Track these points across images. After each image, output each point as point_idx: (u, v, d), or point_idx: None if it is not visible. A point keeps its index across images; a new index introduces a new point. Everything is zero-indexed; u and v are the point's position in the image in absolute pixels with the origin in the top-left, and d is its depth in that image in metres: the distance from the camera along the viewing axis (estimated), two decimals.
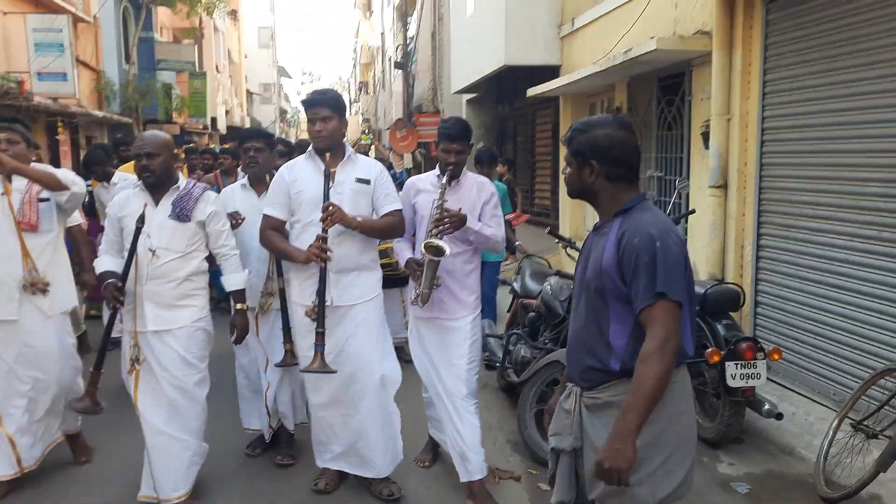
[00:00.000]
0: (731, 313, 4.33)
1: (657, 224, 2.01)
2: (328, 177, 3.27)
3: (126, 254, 3.29)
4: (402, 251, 3.60)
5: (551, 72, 9.71)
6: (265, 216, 3.47)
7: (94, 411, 3.33)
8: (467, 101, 14.80)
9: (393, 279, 4.96)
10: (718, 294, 4.28)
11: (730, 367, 3.94)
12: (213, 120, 25.18)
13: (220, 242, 3.47)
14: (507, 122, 14.36)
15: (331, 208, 3.21)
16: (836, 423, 3.81)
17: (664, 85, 7.11)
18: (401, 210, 3.48)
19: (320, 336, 3.17)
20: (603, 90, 8.64)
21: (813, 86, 4.72)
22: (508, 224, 5.89)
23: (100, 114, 14.58)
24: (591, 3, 8.52)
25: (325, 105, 3.37)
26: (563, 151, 2.88)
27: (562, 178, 5.05)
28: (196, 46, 21.98)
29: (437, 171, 3.60)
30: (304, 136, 46.04)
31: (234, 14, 33.32)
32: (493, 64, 10.40)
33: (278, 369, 3.84)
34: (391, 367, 3.53)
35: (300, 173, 3.43)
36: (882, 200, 4.19)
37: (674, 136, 6.97)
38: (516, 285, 5.26)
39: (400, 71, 20.15)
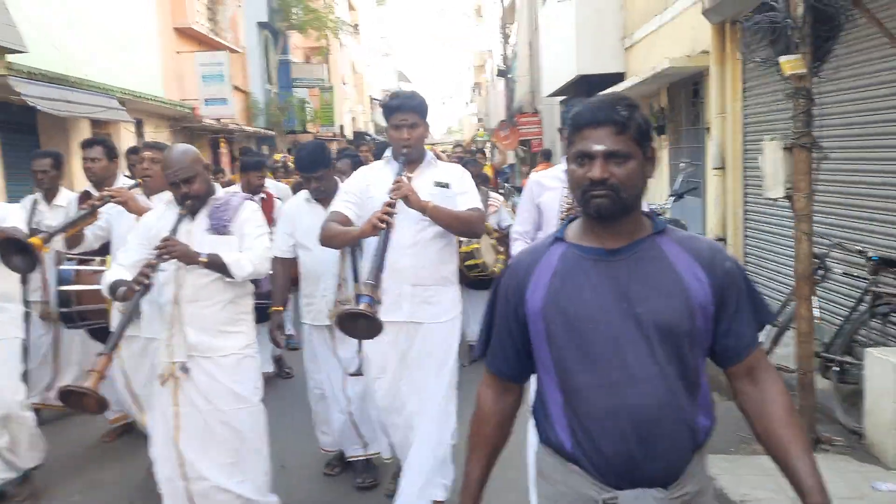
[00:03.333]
0: None
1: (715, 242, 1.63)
2: (400, 173, 3.09)
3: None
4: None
5: (620, 78, 11.43)
6: (331, 212, 3.22)
7: (95, 407, 2.57)
8: (560, 102, 16.62)
9: (482, 281, 5.06)
10: None
11: None
12: (342, 127, 28.26)
13: (245, 244, 3.05)
14: None
15: (400, 182, 2.99)
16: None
17: (694, 90, 8.76)
18: (480, 209, 3.29)
19: (371, 287, 2.72)
20: (654, 93, 10.30)
21: (781, 89, 6.34)
22: None
23: (250, 129, 17.57)
24: (644, 20, 10.20)
25: (412, 111, 3.17)
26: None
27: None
28: (325, 65, 24.97)
29: (562, 166, 3.10)
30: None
31: (356, 28, 36.46)
32: (569, 73, 12.24)
33: (358, 387, 3.72)
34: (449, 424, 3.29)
35: (375, 178, 3.25)
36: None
37: (698, 130, 8.63)
38: None
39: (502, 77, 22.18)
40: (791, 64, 3.79)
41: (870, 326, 4.46)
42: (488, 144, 28.43)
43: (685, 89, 8.93)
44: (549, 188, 3.21)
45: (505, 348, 1.69)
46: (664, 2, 9.00)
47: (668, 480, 1.52)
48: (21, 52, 7.60)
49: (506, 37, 21.59)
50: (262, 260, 3.08)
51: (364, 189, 3.25)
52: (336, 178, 4.01)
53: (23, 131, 8.99)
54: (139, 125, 11.93)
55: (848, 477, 3.65)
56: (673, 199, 7.19)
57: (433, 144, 20.32)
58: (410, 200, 2.99)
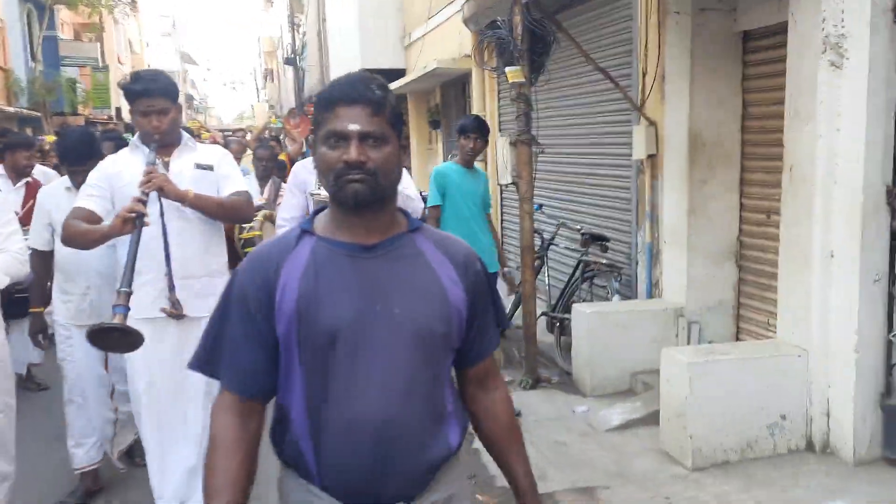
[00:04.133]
0: None
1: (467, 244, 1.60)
2: (153, 162, 2.83)
3: None
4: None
5: (402, 73, 12.24)
6: (73, 209, 2.86)
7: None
8: None
9: None
10: None
11: None
12: (118, 110, 26.56)
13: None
14: None
15: (153, 172, 2.74)
16: None
17: (463, 89, 9.76)
18: (247, 192, 3.12)
19: (125, 296, 2.52)
20: (430, 90, 11.23)
21: None
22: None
23: (11, 109, 16.19)
24: (420, 21, 11.07)
25: (160, 94, 2.88)
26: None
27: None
28: (98, 43, 23.40)
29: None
30: (213, 123, 46.84)
31: (134, 4, 34.30)
32: (355, 65, 12.84)
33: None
34: None
35: (125, 165, 2.95)
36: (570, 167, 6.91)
37: None
38: None
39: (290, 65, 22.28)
40: (513, 74, 4.66)
41: (581, 289, 5.53)
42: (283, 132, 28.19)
43: (455, 88, 9.89)
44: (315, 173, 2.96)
45: (251, 360, 1.43)
46: (435, 6, 9.87)
47: (414, 493, 1.45)
48: None
49: (295, 25, 21.70)
50: (19, 263, 2.83)
51: (113, 177, 2.92)
52: None
53: None
54: None
55: (557, 404, 4.61)
56: None
57: (223, 131, 19.90)
58: (167, 191, 2.77)
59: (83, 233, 2.77)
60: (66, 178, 3.61)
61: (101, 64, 23.50)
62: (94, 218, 2.83)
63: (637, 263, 5.43)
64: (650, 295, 5.24)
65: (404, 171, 3.31)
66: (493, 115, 7.99)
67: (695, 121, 4.77)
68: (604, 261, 5.44)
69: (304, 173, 3.80)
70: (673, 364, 3.86)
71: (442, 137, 10.53)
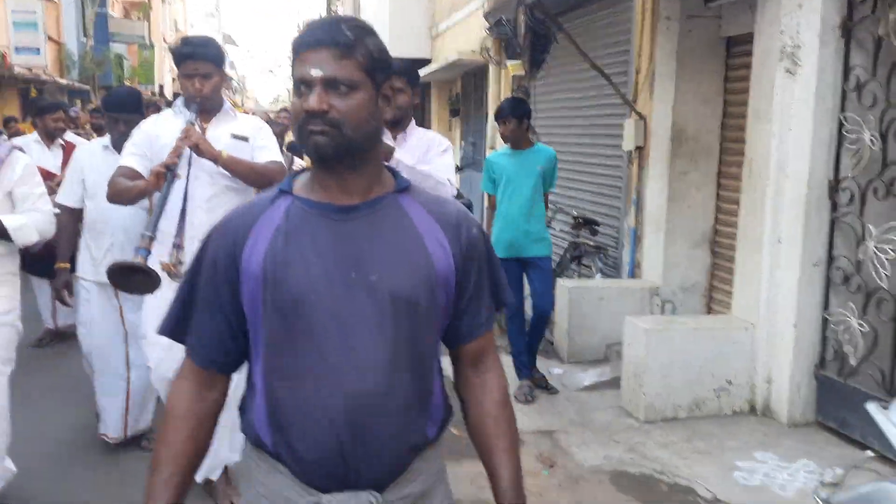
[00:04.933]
0: None
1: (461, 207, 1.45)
2: (193, 123, 2.91)
3: None
4: None
5: (427, 63, 12.77)
6: (118, 167, 2.99)
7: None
8: None
9: None
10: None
11: None
12: (161, 87, 27.54)
13: (27, 206, 2.90)
14: None
15: (190, 130, 2.82)
16: None
17: (482, 80, 10.26)
18: (281, 162, 3.14)
19: (147, 240, 2.69)
20: (453, 80, 11.75)
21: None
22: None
23: (63, 81, 17.06)
24: (448, 13, 11.58)
25: (206, 59, 2.94)
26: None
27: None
28: (146, 22, 24.29)
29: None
30: (249, 105, 47.73)
31: None
32: None
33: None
34: None
35: (165, 128, 3.01)
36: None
37: (480, 115, 10.16)
38: None
39: None
40: (514, 67, 5.18)
41: (570, 268, 6.04)
42: None
43: (476, 79, 10.40)
44: None
45: (213, 328, 1.35)
46: (460, 1, 10.39)
47: (386, 481, 1.31)
48: None
49: (331, 11, 22.36)
50: (49, 223, 2.98)
51: (154, 139, 3.01)
52: None
53: None
54: None
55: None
56: (455, 170, 8.58)
57: (266, 113, 20.57)
58: (201, 149, 2.84)
59: (125, 189, 2.91)
60: (105, 137, 3.74)
61: (147, 42, 24.39)
62: (136, 175, 2.95)
63: (623, 246, 5.92)
64: (632, 275, 5.73)
65: (447, 151, 3.07)
66: None
67: (679, 117, 5.25)
68: (591, 242, 5.93)
69: None
70: (634, 330, 4.36)
71: (460, 125, 11.05)
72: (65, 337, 5.53)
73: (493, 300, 1.45)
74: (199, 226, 2.86)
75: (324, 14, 27.09)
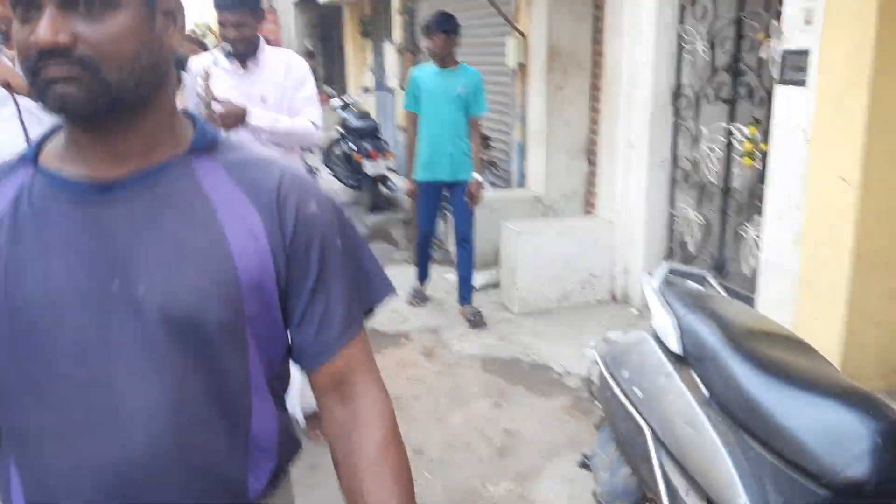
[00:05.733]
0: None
1: (300, 170, 1.02)
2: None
3: None
4: None
5: None
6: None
7: None
8: (294, 3, 17.42)
9: None
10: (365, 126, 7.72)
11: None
12: None
13: None
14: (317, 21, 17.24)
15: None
16: None
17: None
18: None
19: None
20: (363, 1, 11.73)
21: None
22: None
23: None
24: None
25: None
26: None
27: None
28: None
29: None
30: None
31: None
32: None
33: None
34: None
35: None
36: None
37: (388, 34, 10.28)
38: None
39: None
40: None
41: None
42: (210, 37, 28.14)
43: (383, 1, 10.45)
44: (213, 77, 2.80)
45: None
46: None
47: None
48: None
49: None
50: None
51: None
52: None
53: None
54: None
55: (433, 274, 5.59)
56: (362, 91, 8.75)
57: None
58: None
59: None
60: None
61: None
62: None
63: (511, 159, 6.33)
64: (521, 185, 6.16)
65: (306, 80, 2.91)
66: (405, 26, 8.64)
67: (553, 33, 5.57)
68: (483, 157, 6.31)
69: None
70: (508, 233, 4.82)
71: (372, 47, 11.12)
72: None
73: (358, 300, 1.03)
74: None
75: None
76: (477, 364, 4.13)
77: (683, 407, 1.91)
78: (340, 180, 8.25)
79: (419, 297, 5.00)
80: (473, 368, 4.09)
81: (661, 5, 4.27)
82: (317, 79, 13.41)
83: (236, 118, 2.73)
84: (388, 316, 4.79)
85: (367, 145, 7.54)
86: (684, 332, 2.03)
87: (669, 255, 4.63)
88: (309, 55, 12.59)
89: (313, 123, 2.87)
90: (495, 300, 5.04)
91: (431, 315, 4.88)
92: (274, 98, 2.86)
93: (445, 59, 4.48)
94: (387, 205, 7.74)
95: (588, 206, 5.93)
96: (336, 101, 8.42)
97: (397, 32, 8.93)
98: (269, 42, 3.05)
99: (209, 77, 2.70)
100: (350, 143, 7.79)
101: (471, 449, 3.25)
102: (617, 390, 2.17)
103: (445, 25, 4.42)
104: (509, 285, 4.84)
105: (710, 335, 1.93)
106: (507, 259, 4.86)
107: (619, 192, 4.71)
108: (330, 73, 15.93)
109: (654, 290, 2.27)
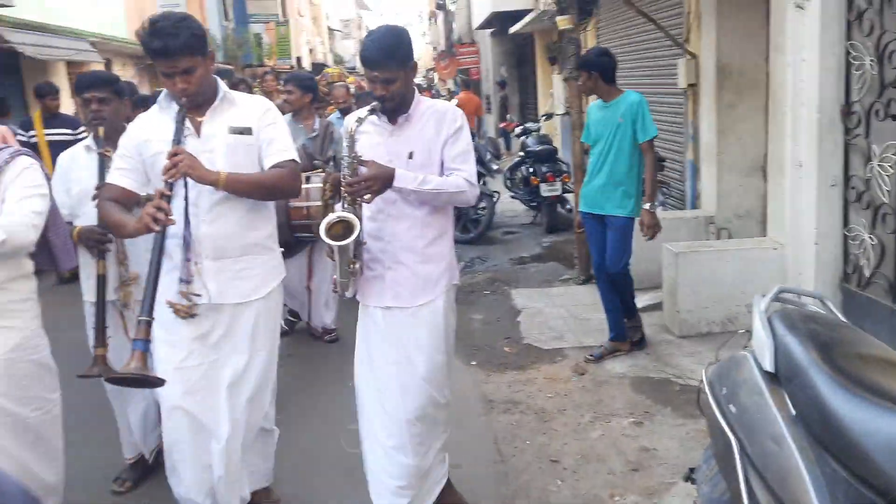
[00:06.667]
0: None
1: None
2: (181, 121, 2.47)
3: None
4: None
5: (526, 14, 13.13)
6: (106, 185, 2.66)
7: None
8: (490, 33, 18.22)
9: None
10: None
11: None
12: (299, 59, 29.43)
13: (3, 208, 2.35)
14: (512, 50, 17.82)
15: (178, 155, 2.36)
16: None
17: None
18: (294, 160, 2.65)
19: (145, 327, 2.29)
20: (552, 29, 12.05)
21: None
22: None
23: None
24: None
25: (181, 53, 2.37)
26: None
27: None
28: None
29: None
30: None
31: None
32: (487, 8, 13.90)
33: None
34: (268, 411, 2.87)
35: (154, 130, 2.56)
36: None
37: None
38: None
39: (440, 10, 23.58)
40: (561, 21, 5.65)
41: None
42: (435, 75, 29.86)
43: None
44: (365, 132, 2.59)
45: None
46: None
47: None
48: (8, 6, 9.16)
49: None
50: (20, 228, 2.33)
51: (142, 146, 2.57)
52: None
53: (9, 72, 10.56)
54: (108, 65, 13.43)
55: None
56: (544, 118, 9.08)
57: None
58: (194, 176, 2.41)
59: (114, 225, 2.55)
60: (88, 138, 3.20)
61: (282, 18, 26.16)
62: (129, 196, 2.58)
63: (686, 179, 6.27)
64: (694, 206, 6.09)
65: (460, 131, 2.56)
66: None
67: (722, 52, 5.51)
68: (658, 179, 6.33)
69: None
70: (667, 254, 4.84)
71: (559, 72, 11.41)
72: None
73: None
74: (202, 240, 2.55)
75: None
76: (626, 383, 4.22)
77: (770, 423, 1.98)
78: (522, 202, 8.60)
79: (632, 331, 4.69)
80: (622, 387, 4.18)
81: (827, 21, 4.11)
82: (508, 106, 14.32)
83: (384, 183, 2.44)
84: (543, 332, 5.02)
85: (544, 169, 7.82)
86: (779, 352, 2.08)
87: (844, 278, 4.39)
88: (500, 85, 13.16)
89: (467, 181, 2.58)
90: (658, 321, 5.06)
91: (588, 334, 5.02)
92: (421, 155, 2.58)
93: (600, 94, 4.50)
94: (564, 226, 7.94)
95: (765, 226, 5.73)
96: (518, 129, 8.82)
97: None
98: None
99: (354, 142, 2.51)
100: (529, 167, 8.12)
101: (605, 462, 3.39)
102: (715, 407, 2.26)
103: (586, 65, 4.46)
104: (670, 307, 4.85)
105: (802, 354, 1.98)
106: (667, 280, 4.88)
107: (787, 214, 4.55)
108: (523, 99, 16.43)
109: (759, 310, 2.33)
